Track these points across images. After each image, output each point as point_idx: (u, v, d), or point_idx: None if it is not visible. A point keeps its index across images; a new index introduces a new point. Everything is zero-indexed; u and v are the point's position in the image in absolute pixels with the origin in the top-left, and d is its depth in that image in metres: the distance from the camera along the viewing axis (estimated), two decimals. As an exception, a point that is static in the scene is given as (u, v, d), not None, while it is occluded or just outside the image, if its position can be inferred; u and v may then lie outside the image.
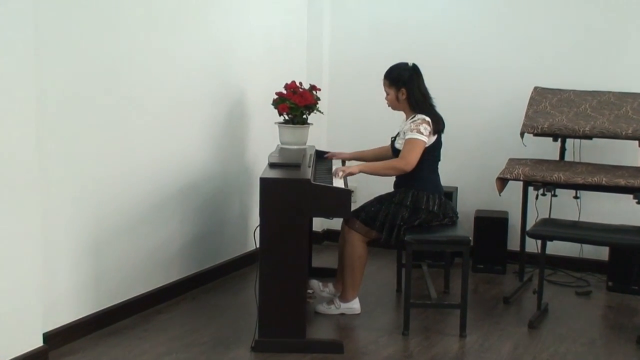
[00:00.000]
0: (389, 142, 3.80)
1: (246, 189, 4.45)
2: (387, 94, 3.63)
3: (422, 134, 3.45)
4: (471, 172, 4.78)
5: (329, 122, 5.10)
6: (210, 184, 4.10)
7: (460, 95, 4.74)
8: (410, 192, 3.53)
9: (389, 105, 3.68)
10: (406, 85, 3.55)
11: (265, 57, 4.52)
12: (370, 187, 4.29)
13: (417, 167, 3.49)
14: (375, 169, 3.57)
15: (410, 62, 3.61)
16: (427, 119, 3.48)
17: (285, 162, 3.42)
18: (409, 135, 3.47)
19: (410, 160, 3.45)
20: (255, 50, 4.43)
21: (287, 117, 3.93)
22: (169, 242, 3.80)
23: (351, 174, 3.54)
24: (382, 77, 3.64)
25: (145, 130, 3.54)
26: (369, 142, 4.23)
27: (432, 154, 3.57)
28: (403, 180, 3.59)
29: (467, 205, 4.72)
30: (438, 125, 3.54)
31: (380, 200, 3.61)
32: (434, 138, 3.54)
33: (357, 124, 5.05)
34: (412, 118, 3.53)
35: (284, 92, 3.93)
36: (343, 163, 4.01)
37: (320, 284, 3.85)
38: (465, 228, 3.64)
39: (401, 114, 3.71)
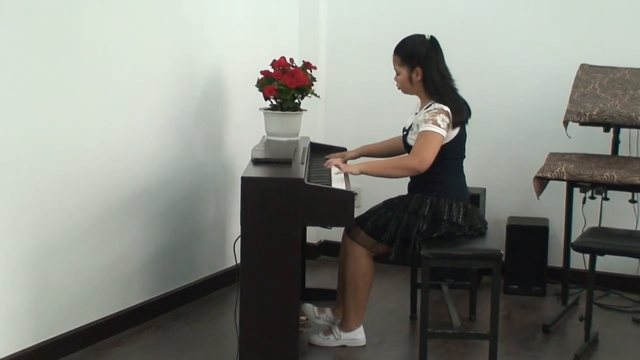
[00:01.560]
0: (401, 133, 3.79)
1: (224, 191, 4.45)
2: (398, 74, 3.62)
3: (438, 126, 3.44)
4: (502, 170, 4.78)
5: (327, 108, 5.09)
6: (179, 184, 4.09)
7: (487, 75, 4.73)
8: (428, 199, 3.52)
9: (398, 88, 3.67)
10: (422, 63, 3.54)
11: (247, 27, 4.51)
12: (377, 187, 4.27)
13: (436, 168, 3.48)
14: (381, 169, 3.57)
15: (427, 34, 3.59)
16: (446, 108, 3.48)
17: (273, 158, 3.43)
18: (423, 128, 3.46)
19: (424, 157, 3.44)
20: (235, 19, 4.42)
21: (274, 102, 3.93)
22: (127, 258, 3.78)
23: (349, 173, 3.52)
24: (392, 52, 3.61)
25: (96, 118, 3.52)
26: (376, 134, 4.22)
27: (454, 150, 3.56)
28: (419, 183, 3.58)
29: (498, 210, 4.72)
30: (461, 115, 3.53)
31: (391, 206, 3.59)
32: (455, 132, 3.53)
33: (361, 110, 5.03)
34: (428, 107, 3.52)
35: (271, 70, 3.92)
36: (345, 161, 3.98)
37: (316, 309, 3.85)
38: (495, 239, 3.64)
39: (415, 99, 3.68)
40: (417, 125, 3.51)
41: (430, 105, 3.52)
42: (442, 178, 3.53)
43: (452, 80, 3.59)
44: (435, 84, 3.54)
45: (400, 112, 3.91)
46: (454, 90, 3.58)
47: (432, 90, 3.54)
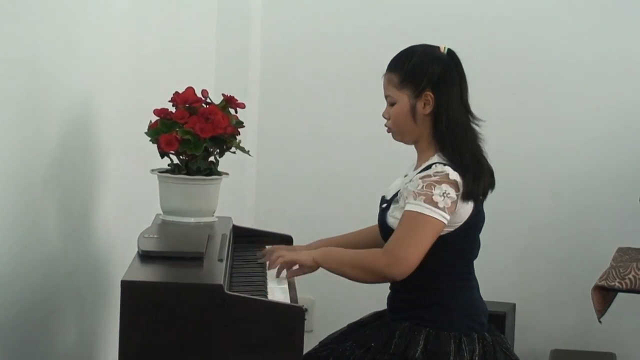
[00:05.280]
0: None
1: (92, 302, 4.46)
2: (391, 104, 3.62)
3: (435, 205, 3.43)
4: (542, 276, 4.88)
5: (261, 171, 5.17)
6: (15, 291, 4.01)
7: (520, 117, 4.90)
8: (421, 333, 3.51)
9: (388, 131, 3.67)
10: (436, 89, 3.55)
11: (132, 38, 4.57)
12: (341, 298, 4.26)
13: (433, 276, 3.49)
14: (338, 261, 3.58)
15: (443, 46, 3.61)
16: (454, 175, 3.48)
17: (173, 251, 3.51)
18: (410, 206, 3.47)
19: (399, 256, 3.45)
20: (114, 25, 4.45)
21: (176, 161, 3.98)
22: None
23: (300, 264, 3.57)
24: (383, 72, 3.66)
25: None
26: (342, 215, 4.21)
27: (462, 243, 3.58)
28: (404, 302, 3.60)
29: (536, 340, 4.79)
30: (479, 182, 3.52)
31: (361, 339, 3.59)
32: (467, 210, 3.53)
33: (317, 176, 5.14)
34: (425, 169, 3.53)
35: (172, 109, 3.97)
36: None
37: None
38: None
39: (411, 153, 3.70)
40: (405, 197, 3.51)
41: (431, 165, 3.52)
42: (442, 294, 3.55)
43: (475, 119, 3.61)
44: (452, 123, 3.53)
45: (384, 177, 3.92)
46: (475, 138, 3.59)
47: (445, 134, 3.53)
